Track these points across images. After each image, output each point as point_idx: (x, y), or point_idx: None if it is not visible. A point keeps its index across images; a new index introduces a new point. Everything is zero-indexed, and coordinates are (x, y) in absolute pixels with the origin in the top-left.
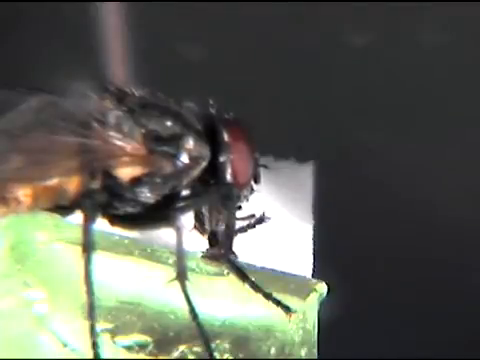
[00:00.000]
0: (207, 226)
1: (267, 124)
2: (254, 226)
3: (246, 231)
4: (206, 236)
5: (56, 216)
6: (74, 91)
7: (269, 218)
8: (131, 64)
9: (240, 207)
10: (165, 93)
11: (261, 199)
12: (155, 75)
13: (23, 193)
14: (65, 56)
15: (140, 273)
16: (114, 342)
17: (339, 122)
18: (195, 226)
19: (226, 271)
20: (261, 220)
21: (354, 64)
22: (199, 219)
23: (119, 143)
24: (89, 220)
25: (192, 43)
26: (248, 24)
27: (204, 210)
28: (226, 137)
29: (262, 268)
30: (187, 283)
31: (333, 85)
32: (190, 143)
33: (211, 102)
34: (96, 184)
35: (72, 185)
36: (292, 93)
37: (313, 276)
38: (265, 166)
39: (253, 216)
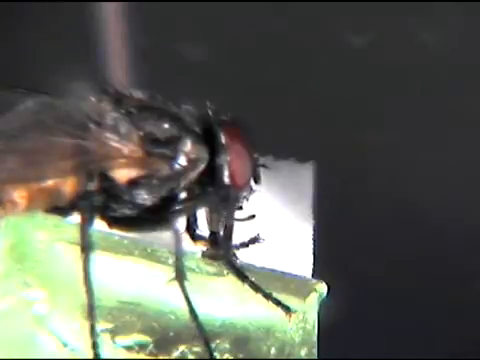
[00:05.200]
0: (199, 231)
1: (267, 124)
2: (247, 246)
3: (239, 250)
4: (197, 242)
5: (56, 216)
6: (73, 92)
7: (263, 239)
8: (131, 64)
9: (241, 207)
10: (165, 93)
11: (261, 199)
12: (155, 75)
13: (19, 195)
14: (65, 56)
15: (140, 273)
16: (114, 342)
17: (339, 122)
18: (187, 231)
19: (226, 271)
20: (255, 240)
21: (354, 64)
22: (190, 226)
23: (116, 145)
24: (86, 221)
25: (192, 43)
26: (248, 24)
27: (206, 212)
28: (223, 139)
29: (262, 268)
30: (186, 283)
31: (333, 85)
32: (188, 145)
33: (208, 104)
34: (93, 186)
35: (68, 187)
36: (292, 93)
37: (313, 276)
38: (264, 166)
39: (253, 216)
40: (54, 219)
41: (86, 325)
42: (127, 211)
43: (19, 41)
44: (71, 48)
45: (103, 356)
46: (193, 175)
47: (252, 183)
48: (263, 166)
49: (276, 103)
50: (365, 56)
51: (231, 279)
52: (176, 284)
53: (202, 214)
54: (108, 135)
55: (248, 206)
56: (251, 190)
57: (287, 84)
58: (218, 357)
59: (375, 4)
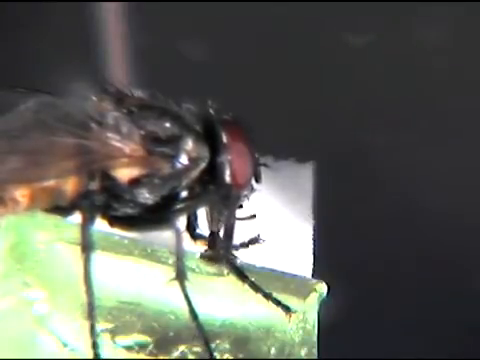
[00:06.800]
0: (199, 230)
1: (267, 124)
2: (247, 246)
3: (239, 250)
4: (197, 241)
5: (56, 216)
6: (73, 92)
7: (263, 240)
8: (131, 64)
9: (241, 205)
10: (165, 93)
11: (261, 199)
12: (155, 75)
13: (21, 194)
14: (65, 56)
15: (140, 273)
16: (114, 342)
17: (339, 122)
18: (187, 230)
19: (226, 271)
20: (255, 241)
21: (354, 64)
22: (190, 224)
23: (117, 144)
24: (87, 221)
25: (192, 43)
26: (248, 24)
27: (206, 211)
28: (224, 138)
29: (262, 268)
30: (187, 283)
31: (333, 85)
32: (189, 144)
33: (210, 103)
34: (94, 185)
35: (70, 186)
36: (292, 93)
37: (313, 276)
38: (265, 165)
39: (254, 216)
40: (54, 219)
41: (86, 325)
42: (128, 210)
43: (19, 41)
44: (71, 48)
45: (103, 356)
46: (194, 174)
47: (253, 182)
48: (264, 165)
49: (276, 103)
50: (365, 56)
51: (231, 279)
52: (176, 284)
53: (202, 213)
54: (110, 134)
55: (248, 206)
56: (252, 189)
57: (287, 84)
58: (218, 357)
59: (375, 4)
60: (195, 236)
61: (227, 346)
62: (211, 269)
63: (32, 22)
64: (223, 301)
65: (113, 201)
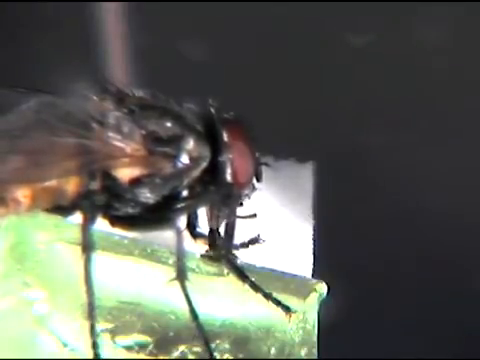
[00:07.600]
0: (199, 229)
1: (267, 124)
2: (247, 246)
3: (239, 250)
4: (197, 240)
5: (56, 216)
6: (74, 92)
7: (264, 240)
8: (131, 64)
9: (242, 204)
10: (165, 93)
11: (261, 199)
12: (155, 75)
13: (22, 194)
14: (65, 56)
15: (140, 273)
16: (114, 342)
17: (339, 122)
18: (187, 229)
19: (226, 271)
20: (255, 241)
21: (354, 64)
22: (191, 223)
23: (119, 144)
24: (88, 221)
25: (192, 42)
26: (248, 24)
27: (207, 210)
28: (225, 137)
29: (262, 268)
30: (187, 283)
31: (333, 85)
32: (190, 144)
33: (210, 102)
34: (95, 185)
35: (71, 186)
36: (292, 93)
37: (313, 276)
38: (266, 164)
39: (255, 215)
40: (54, 219)
41: (86, 325)
42: (129, 210)
43: (19, 41)
44: (71, 48)
45: (103, 356)
46: (195, 173)
47: (254, 181)
48: (265, 164)
49: (276, 103)
50: (365, 56)
51: (231, 279)
52: (176, 284)
53: (203, 212)
54: (111, 134)
55: (248, 206)
56: (253, 188)
57: (287, 84)
58: (218, 357)
59: (375, 4)
60: (195, 235)
61: (227, 346)
62: (211, 269)
63: (32, 22)
64: (223, 301)
65: (114, 201)
